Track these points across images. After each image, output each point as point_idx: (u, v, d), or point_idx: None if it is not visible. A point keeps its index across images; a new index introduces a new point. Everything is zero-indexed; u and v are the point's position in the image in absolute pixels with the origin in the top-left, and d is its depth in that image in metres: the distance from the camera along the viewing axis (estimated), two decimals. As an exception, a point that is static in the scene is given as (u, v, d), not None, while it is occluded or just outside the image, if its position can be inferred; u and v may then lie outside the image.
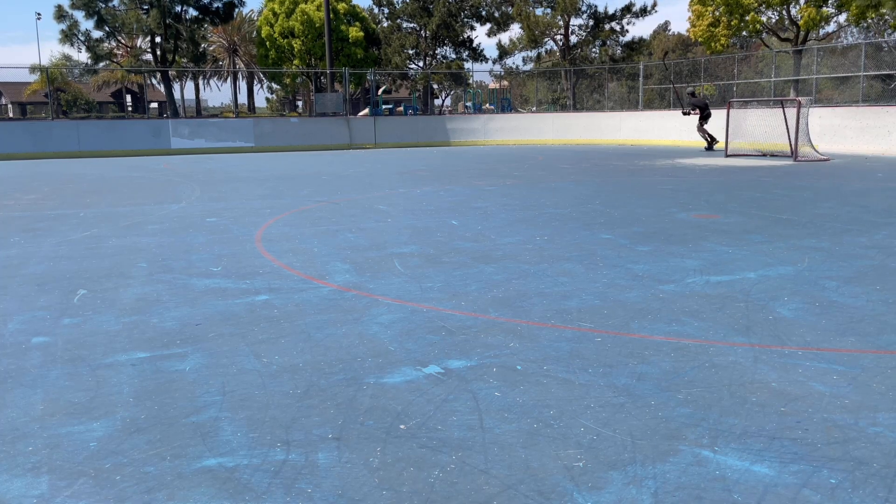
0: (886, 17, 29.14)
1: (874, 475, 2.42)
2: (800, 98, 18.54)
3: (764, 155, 19.03)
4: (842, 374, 3.35)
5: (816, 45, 31.20)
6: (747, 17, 31.84)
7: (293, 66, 39.52)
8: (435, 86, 45.49)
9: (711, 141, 21.58)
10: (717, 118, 21.85)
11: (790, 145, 18.14)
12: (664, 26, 61.29)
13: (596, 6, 41.77)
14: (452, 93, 48.84)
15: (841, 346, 3.74)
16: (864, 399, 3.06)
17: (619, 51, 43.95)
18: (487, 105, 35.63)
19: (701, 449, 2.62)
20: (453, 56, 45.44)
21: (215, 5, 38.69)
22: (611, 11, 42.79)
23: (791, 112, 18.13)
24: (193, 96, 61.01)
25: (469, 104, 35.92)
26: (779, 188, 11.39)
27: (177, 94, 49.99)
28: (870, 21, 30.52)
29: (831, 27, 34.31)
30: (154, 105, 55.59)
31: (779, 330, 4.03)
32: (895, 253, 6.13)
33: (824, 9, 30.78)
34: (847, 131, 20.40)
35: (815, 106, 20.90)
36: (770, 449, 2.61)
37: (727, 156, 19.15)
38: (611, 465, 2.51)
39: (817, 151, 18.15)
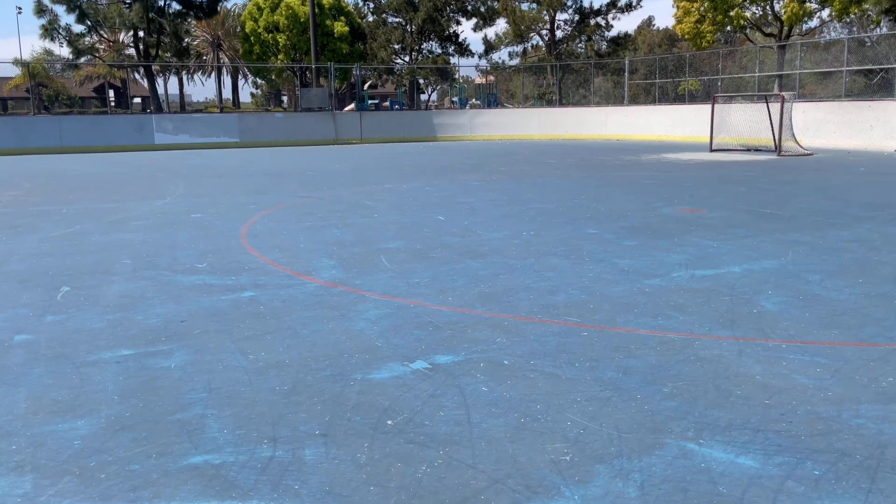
0: (869, 12, 29.38)
1: (857, 466, 2.45)
2: (783, 93, 18.68)
3: (748, 149, 19.15)
4: (825, 366, 3.38)
5: (800, 41, 31.43)
6: (732, 13, 32.01)
7: (278, 61, 39.30)
8: (421, 81, 45.40)
9: None
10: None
11: (774, 140, 18.28)
12: (648, 21, 61.50)
13: (581, 1, 41.92)
14: (439, 88, 48.78)
15: (824, 339, 3.78)
16: (846, 391, 3.09)
17: (604, 46, 44.08)
18: (474, 100, 35.62)
19: (686, 442, 2.64)
20: (439, 51, 45.38)
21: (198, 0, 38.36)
22: (596, 6, 42.90)
23: (775, 107, 18.26)
24: (177, 91, 60.58)
25: (455, 99, 35.89)
26: (763, 183, 11.47)
27: (160, 90, 49.61)
28: (853, 16, 30.77)
29: (814, 22, 34.58)
30: (137, 100, 55.08)
31: (763, 323, 4.06)
32: (877, 247, 6.19)
33: (808, 4, 31.00)
34: (830, 126, 20.58)
35: (799, 101, 21.07)
36: (754, 441, 2.64)
37: (712, 150, 19.26)
38: (597, 459, 2.52)
39: (801, 146, 18.30)
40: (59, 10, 35.74)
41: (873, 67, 25.12)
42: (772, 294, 4.68)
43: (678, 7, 33.79)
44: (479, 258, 5.93)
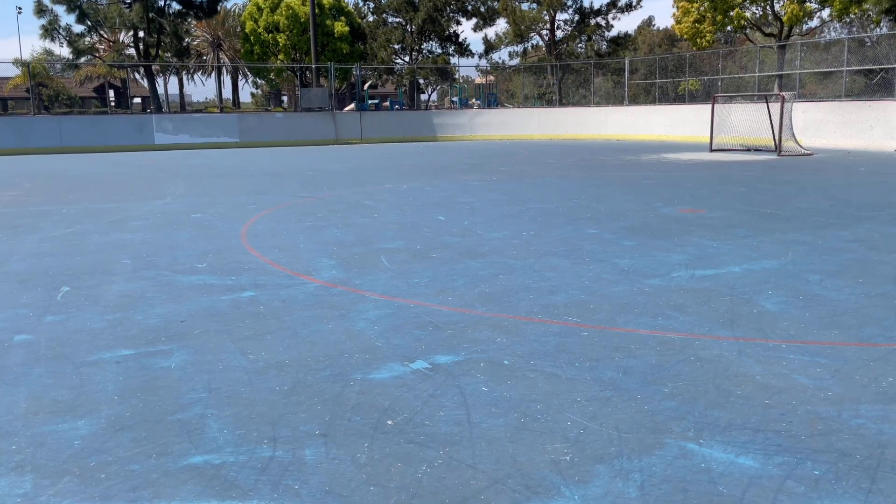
0: (869, 12, 29.38)
1: (857, 466, 2.45)
2: (783, 93, 18.67)
3: (748, 149, 19.15)
4: (825, 366, 3.38)
5: (800, 41, 31.43)
6: (732, 13, 32.01)
7: (278, 61, 39.31)
8: (421, 81, 45.41)
9: None
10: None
11: (774, 140, 18.27)
12: (648, 21, 61.51)
13: (581, 1, 41.91)
14: (439, 88, 48.78)
15: (824, 339, 3.78)
16: (846, 391, 3.09)
17: (604, 46, 44.12)
18: (473, 100, 35.63)
19: (686, 442, 2.64)
20: (439, 51, 45.40)
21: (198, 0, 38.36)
22: (596, 6, 42.93)
23: (775, 107, 18.26)
24: (177, 91, 60.57)
25: (455, 99, 35.89)
26: (763, 183, 11.47)
27: (160, 90, 49.61)
28: (853, 16, 30.77)
29: (814, 22, 34.58)
30: (137, 100, 55.09)
31: (763, 323, 4.06)
32: (877, 247, 6.19)
33: (808, 4, 31.00)
34: (830, 126, 20.58)
35: (799, 101, 21.07)
36: (754, 441, 2.64)
37: (712, 150, 19.26)
38: (597, 459, 2.52)
39: (801, 146, 18.30)
40: (59, 10, 35.75)
41: (873, 67, 25.12)
42: (772, 294, 4.68)
43: (678, 7, 33.80)
44: (479, 258, 5.93)
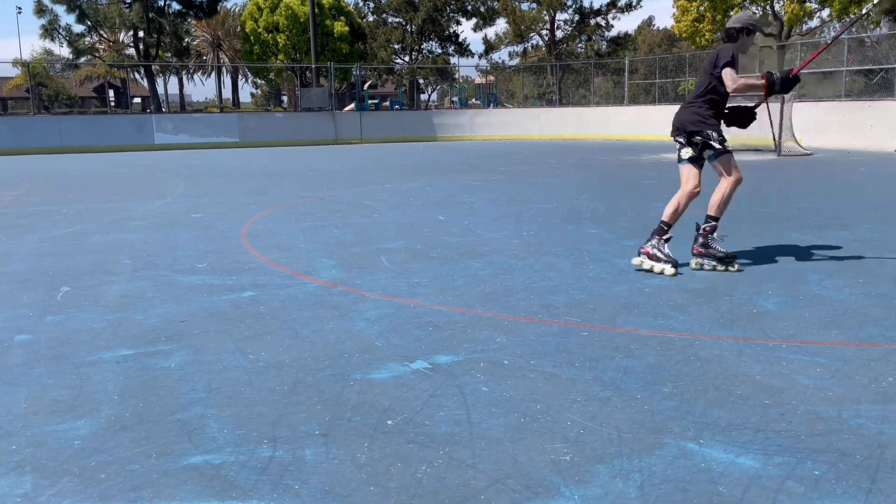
0: (869, 12, 29.38)
1: (857, 466, 2.45)
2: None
3: (748, 149, 19.15)
4: (825, 366, 3.38)
5: (800, 41, 31.42)
6: (731, 13, 32.03)
7: (278, 61, 39.31)
8: (421, 81, 45.41)
9: None
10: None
11: (774, 140, 18.27)
12: (648, 21, 61.56)
13: (581, 1, 41.96)
14: (438, 88, 48.81)
15: (824, 339, 3.78)
16: (846, 391, 3.09)
17: (604, 46, 44.17)
18: (473, 100, 35.64)
19: (686, 442, 2.64)
20: (439, 51, 45.45)
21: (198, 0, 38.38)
22: (596, 6, 42.96)
23: (775, 107, 18.26)
24: (177, 91, 60.59)
25: (455, 99, 35.92)
26: (763, 183, 11.47)
27: (160, 90, 49.59)
28: (853, 16, 30.77)
29: (814, 22, 34.60)
30: (137, 100, 55.10)
31: (763, 323, 4.06)
32: (877, 247, 6.19)
33: (808, 4, 31.03)
34: (830, 126, 20.58)
35: (799, 101, 21.07)
36: (755, 441, 2.63)
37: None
38: (597, 459, 2.52)
39: (801, 146, 18.30)
40: (59, 10, 35.80)
41: (873, 67, 25.13)
42: (772, 294, 4.68)
43: (677, 6, 33.83)
44: (479, 258, 5.92)
